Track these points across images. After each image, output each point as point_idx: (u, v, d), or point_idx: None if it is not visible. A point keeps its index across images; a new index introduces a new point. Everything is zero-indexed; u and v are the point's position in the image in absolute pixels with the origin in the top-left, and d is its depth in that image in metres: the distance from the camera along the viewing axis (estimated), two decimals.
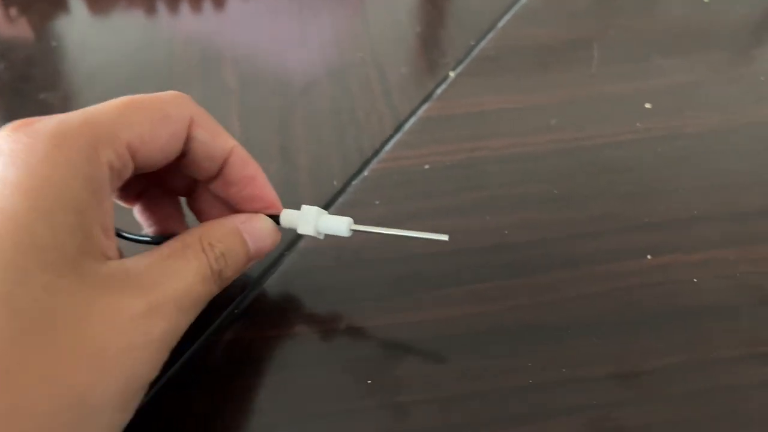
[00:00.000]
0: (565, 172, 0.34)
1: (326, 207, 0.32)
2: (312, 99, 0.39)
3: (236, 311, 0.28)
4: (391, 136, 0.36)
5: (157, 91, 0.23)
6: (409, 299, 0.28)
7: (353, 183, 0.34)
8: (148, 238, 0.27)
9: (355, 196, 0.33)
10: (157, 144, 0.22)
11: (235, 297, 0.28)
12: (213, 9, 0.46)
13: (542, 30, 0.44)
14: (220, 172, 0.25)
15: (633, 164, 0.34)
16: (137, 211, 0.27)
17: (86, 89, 0.39)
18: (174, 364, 0.26)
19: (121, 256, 0.21)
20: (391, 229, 0.26)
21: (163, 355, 0.20)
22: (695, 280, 0.29)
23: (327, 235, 0.26)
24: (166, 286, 0.21)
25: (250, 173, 0.25)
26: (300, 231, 0.26)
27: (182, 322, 0.22)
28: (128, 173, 0.22)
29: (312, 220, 0.26)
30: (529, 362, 0.26)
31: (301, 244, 0.30)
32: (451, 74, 0.40)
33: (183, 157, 0.24)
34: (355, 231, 0.26)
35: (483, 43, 0.43)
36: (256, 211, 0.26)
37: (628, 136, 0.36)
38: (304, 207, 0.26)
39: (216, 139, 0.24)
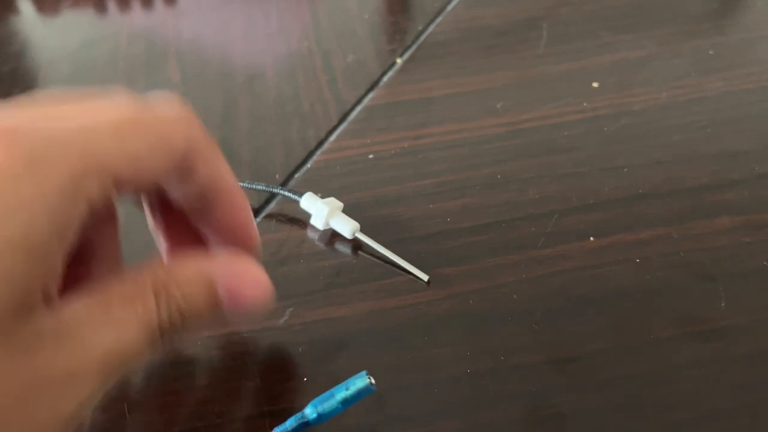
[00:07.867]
0: (510, 156, 0.33)
1: (267, 202, 0.32)
2: (256, 91, 0.38)
3: None
4: (336, 126, 0.36)
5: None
6: (350, 290, 0.28)
7: (296, 176, 0.33)
8: None
9: (297, 189, 0.32)
10: (149, 177, 0.18)
11: None
12: (164, 4, 0.45)
13: (492, 11, 0.43)
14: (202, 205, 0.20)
15: (579, 144, 0.34)
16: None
17: (28, 89, 0.38)
18: None
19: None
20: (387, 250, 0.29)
21: (74, 423, 0.18)
22: (638, 260, 0.29)
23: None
24: (97, 344, 0.17)
25: (238, 213, 0.21)
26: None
27: (106, 385, 0.18)
28: (100, 205, 0.18)
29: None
30: (468, 351, 0.26)
31: None
32: (399, 61, 0.40)
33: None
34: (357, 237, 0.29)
35: (432, 28, 0.42)
36: (231, 243, 0.21)
37: (574, 116, 0.35)
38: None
39: (215, 177, 0.20)
